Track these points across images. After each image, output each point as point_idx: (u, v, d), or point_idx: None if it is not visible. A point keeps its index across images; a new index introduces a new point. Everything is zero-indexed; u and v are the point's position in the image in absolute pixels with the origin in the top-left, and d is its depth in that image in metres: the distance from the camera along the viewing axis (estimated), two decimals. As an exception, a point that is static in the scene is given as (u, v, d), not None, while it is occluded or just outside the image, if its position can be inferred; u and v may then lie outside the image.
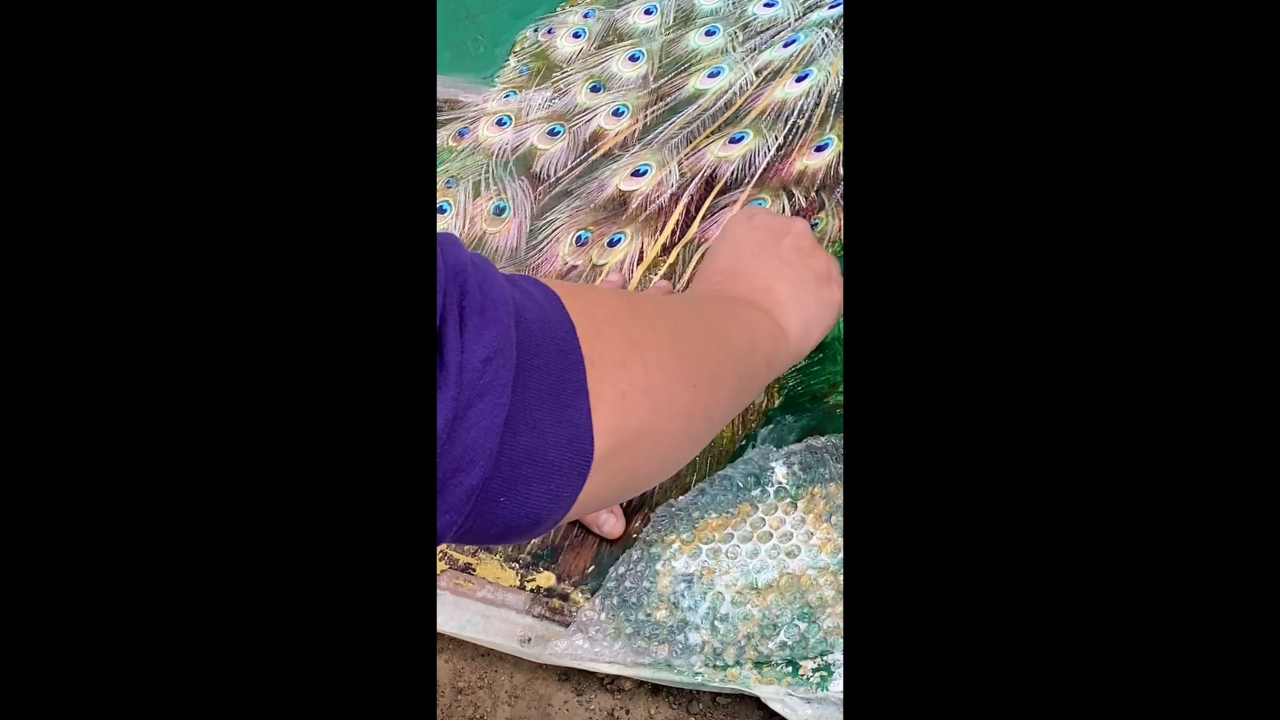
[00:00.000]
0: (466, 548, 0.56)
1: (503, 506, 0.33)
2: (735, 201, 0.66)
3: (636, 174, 0.69)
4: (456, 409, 0.30)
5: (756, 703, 0.50)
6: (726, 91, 0.72)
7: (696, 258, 0.64)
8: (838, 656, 0.49)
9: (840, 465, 0.54)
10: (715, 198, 0.67)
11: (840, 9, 0.74)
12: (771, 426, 0.57)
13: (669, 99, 0.73)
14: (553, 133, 0.74)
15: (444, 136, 0.76)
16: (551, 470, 0.34)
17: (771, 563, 0.52)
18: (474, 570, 0.56)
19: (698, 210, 0.66)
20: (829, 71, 0.70)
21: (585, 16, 0.80)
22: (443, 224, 0.71)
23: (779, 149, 0.68)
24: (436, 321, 0.30)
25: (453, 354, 0.30)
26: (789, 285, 0.50)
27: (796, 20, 0.74)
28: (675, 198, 0.68)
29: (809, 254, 0.52)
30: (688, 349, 0.40)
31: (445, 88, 0.78)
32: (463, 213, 0.71)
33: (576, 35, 0.79)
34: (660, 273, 0.65)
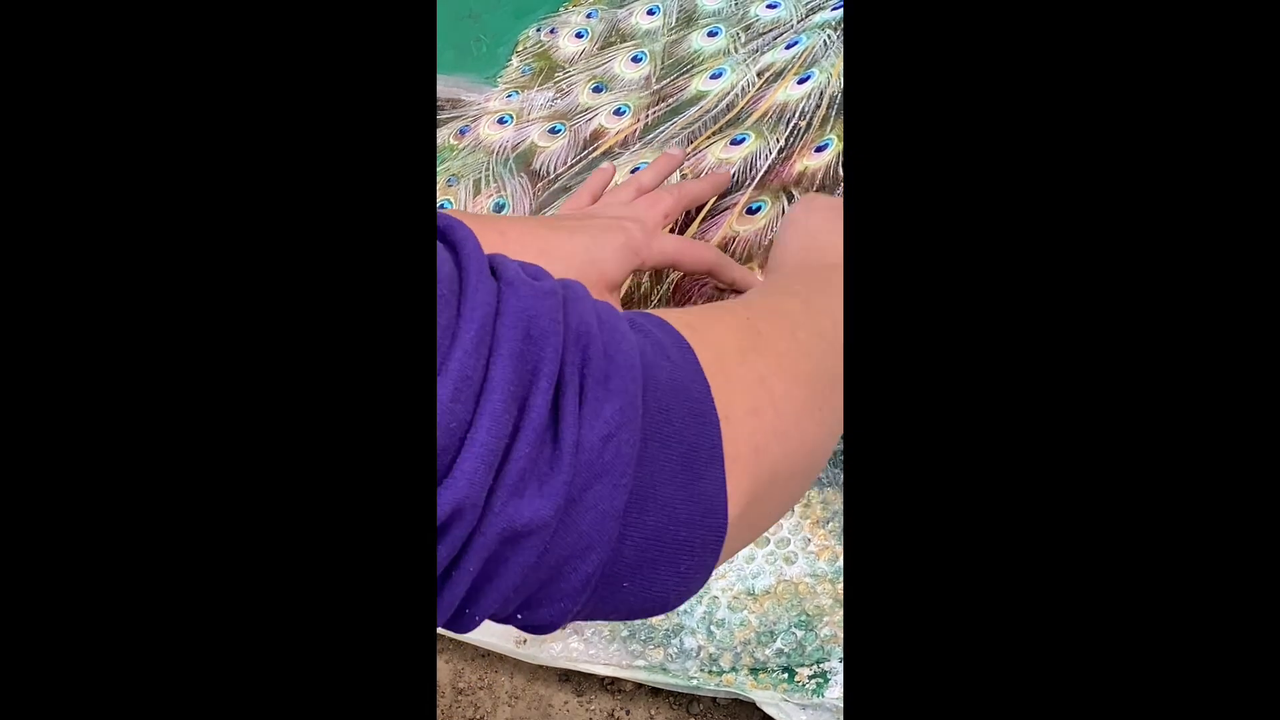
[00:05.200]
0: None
1: (626, 592, 0.31)
2: (736, 204, 0.66)
3: (629, 179, 0.70)
4: (570, 492, 0.28)
5: (755, 705, 0.51)
6: (728, 93, 0.72)
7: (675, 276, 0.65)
8: (834, 664, 0.49)
9: (838, 470, 0.54)
10: (716, 199, 0.67)
11: (842, 10, 0.74)
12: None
13: (671, 100, 0.73)
14: (553, 131, 0.74)
15: (445, 135, 0.76)
16: (682, 550, 0.31)
17: (769, 569, 0.52)
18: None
19: (698, 211, 0.66)
20: (830, 73, 0.70)
21: (588, 17, 0.80)
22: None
23: (780, 151, 0.68)
24: (541, 394, 0.27)
25: (569, 430, 0.28)
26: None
27: (799, 22, 0.74)
28: None
29: None
30: (809, 364, 0.38)
31: (448, 87, 0.78)
32: (463, 210, 0.71)
33: (579, 35, 0.79)
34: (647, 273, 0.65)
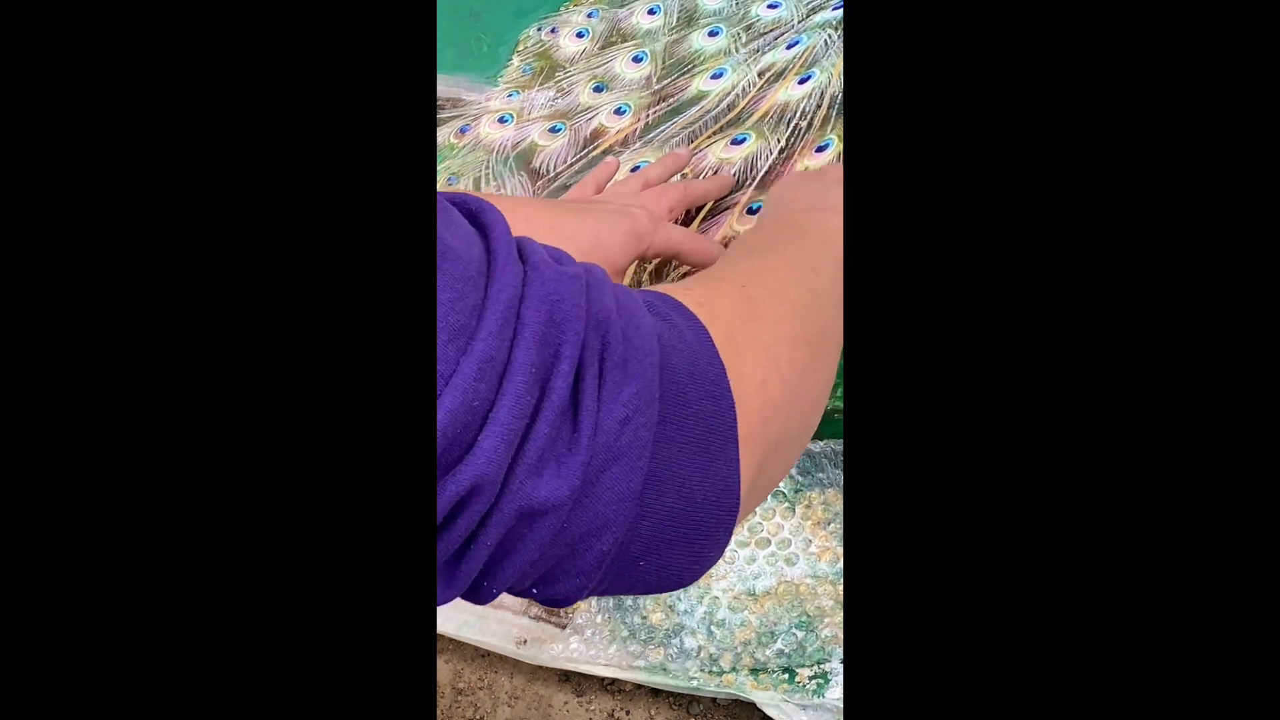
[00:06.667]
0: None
1: (643, 570, 0.31)
2: (736, 204, 0.66)
3: (635, 170, 0.69)
4: (587, 473, 0.28)
5: (756, 706, 0.51)
6: (729, 93, 0.72)
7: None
8: (835, 665, 0.49)
9: (839, 471, 0.54)
10: (716, 200, 0.67)
11: (842, 10, 0.74)
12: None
13: (672, 99, 0.73)
14: (554, 130, 0.74)
15: (446, 134, 0.76)
16: (698, 530, 0.32)
17: (769, 570, 0.52)
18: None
19: (698, 211, 0.66)
20: (831, 73, 0.70)
21: (589, 16, 0.80)
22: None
23: (781, 151, 0.68)
24: (562, 377, 0.28)
25: (588, 413, 0.28)
26: (841, 189, 0.50)
27: (800, 22, 0.74)
28: None
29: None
30: (803, 324, 0.38)
31: (449, 86, 0.78)
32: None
33: (580, 35, 0.79)
34: (651, 266, 0.65)
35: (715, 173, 0.67)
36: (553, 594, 0.31)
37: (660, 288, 0.37)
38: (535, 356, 0.28)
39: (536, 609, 0.54)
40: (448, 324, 0.26)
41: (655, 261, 0.64)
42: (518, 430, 0.27)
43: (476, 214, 0.30)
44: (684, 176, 0.68)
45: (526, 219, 0.53)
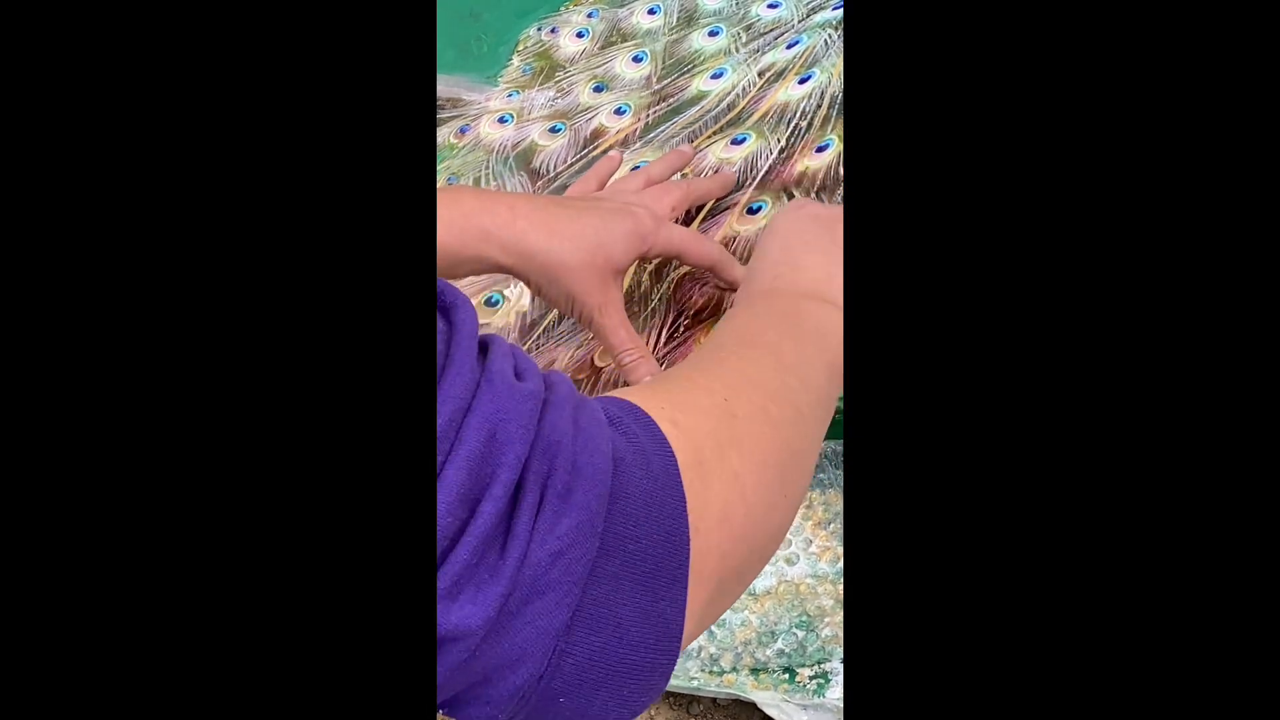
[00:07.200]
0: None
1: (563, 707, 0.30)
2: (736, 204, 0.66)
3: (636, 170, 0.69)
4: (506, 604, 0.27)
5: (756, 706, 0.50)
6: (729, 93, 0.72)
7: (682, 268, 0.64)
8: (835, 665, 0.49)
9: (839, 472, 0.54)
10: (716, 199, 0.67)
11: (842, 10, 0.74)
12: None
13: (672, 99, 0.73)
14: (554, 130, 0.74)
15: (446, 134, 0.76)
16: (629, 673, 0.30)
17: (770, 569, 0.52)
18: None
19: (699, 210, 0.66)
20: (831, 73, 0.70)
21: (589, 16, 0.80)
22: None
23: (781, 151, 0.68)
24: (493, 501, 0.27)
25: (517, 543, 0.27)
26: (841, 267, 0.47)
27: (800, 22, 0.74)
28: None
29: None
30: (779, 444, 0.37)
31: (449, 86, 0.78)
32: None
33: (580, 35, 0.79)
34: (651, 267, 0.65)
35: (716, 172, 0.67)
36: (465, 717, 0.30)
37: (640, 390, 0.36)
38: (466, 477, 0.27)
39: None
40: None
41: (656, 261, 0.64)
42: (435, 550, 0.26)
43: (448, 309, 0.30)
44: (684, 175, 0.68)
45: (528, 216, 0.53)
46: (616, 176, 0.66)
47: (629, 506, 0.30)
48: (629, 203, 0.57)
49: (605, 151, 0.71)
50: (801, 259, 0.49)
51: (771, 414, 0.38)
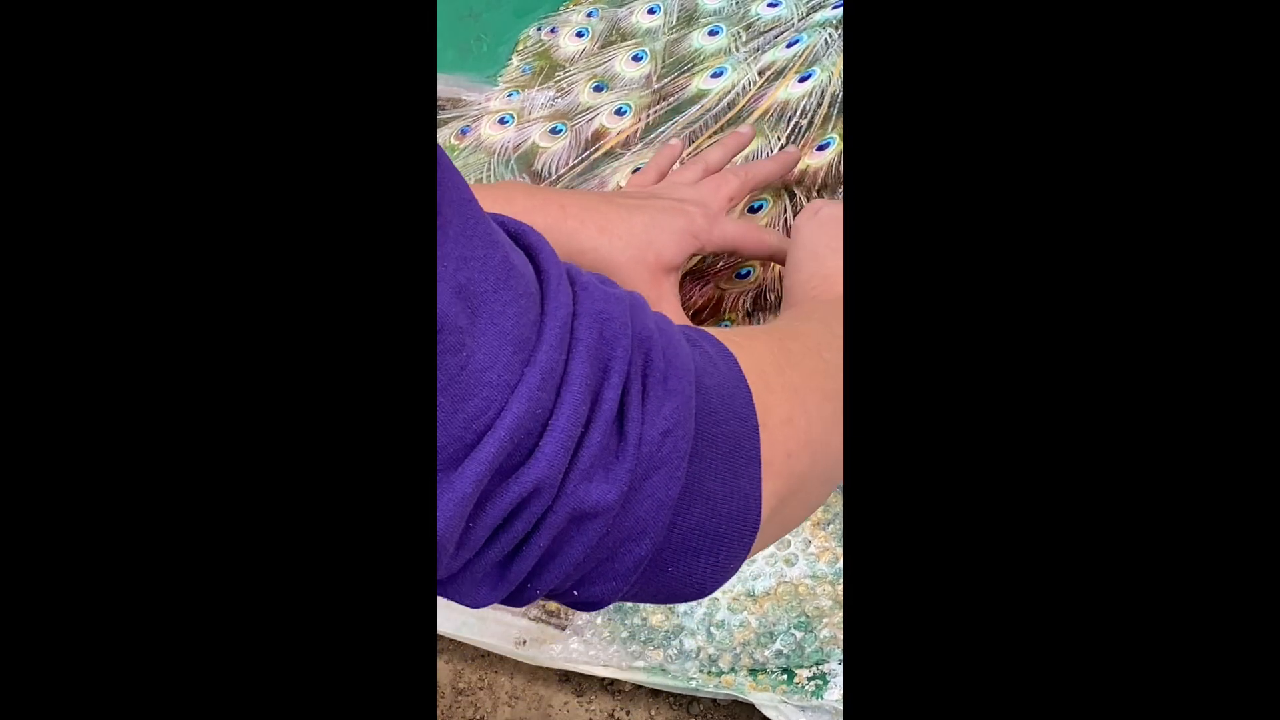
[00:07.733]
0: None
1: (669, 576, 0.33)
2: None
3: (637, 172, 0.69)
4: (632, 480, 0.30)
5: (755, 707, 0.51)
6: (729, 92, 0.72)
7: (693, 261, 0.64)
8: (833, 666, 0.49)
9: (839, 471, 0.54)
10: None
11: (842, 9, 0.74)
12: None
13: (672, 99, 0.73)
14: (554, 131, 0.74)
15: (446, 135, 0.76)
16: (720, 542, 0.34)
17: (769, 570, 0.52)
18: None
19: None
20: (831, 72, 0.70)
21: (588, 16, 0.80)
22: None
23: (781, 150, 0.68)
24: (612, 389, 0.30)
25: (633, 425, 0.30)
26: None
27: (800, 20, 0.74)
28: None
29: None
30: (835, 383, 0.40)
31: (449, 86, 0.78)
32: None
33: (580, 34, 0.79)
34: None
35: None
36: (589, 596, 0.33)
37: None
38: (589, 369, 0.30)
39: (536, 610, 0.54)
40: (513, 336, 0.28)
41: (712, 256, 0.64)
42: (575, 437, 0.29)
43: (519, 235, 0.32)
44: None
45: (578, 215, 0.53)
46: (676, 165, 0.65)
47: (707, 397, 0.33)
48: (683, 199, 0.57)
49: (607, 154, 0.71)
50: (831, 267, 0.52)
51: (826, 358, 0.41)
